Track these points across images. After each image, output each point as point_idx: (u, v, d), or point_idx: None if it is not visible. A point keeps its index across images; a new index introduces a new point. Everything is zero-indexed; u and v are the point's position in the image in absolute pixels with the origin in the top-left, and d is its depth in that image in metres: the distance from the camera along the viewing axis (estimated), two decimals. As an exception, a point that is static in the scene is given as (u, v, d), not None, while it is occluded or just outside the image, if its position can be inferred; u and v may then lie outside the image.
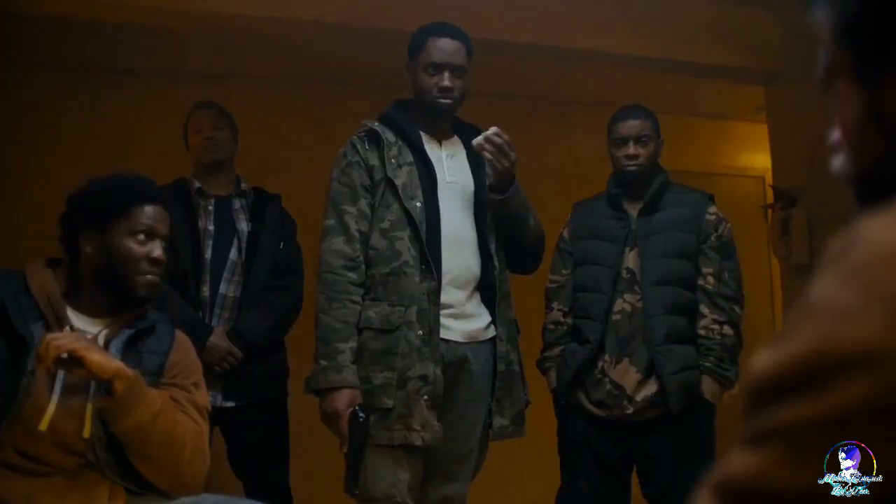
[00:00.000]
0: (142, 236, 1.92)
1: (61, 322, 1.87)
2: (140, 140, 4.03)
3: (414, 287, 2.27)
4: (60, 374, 1.83)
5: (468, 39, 2.46)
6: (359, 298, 2.30)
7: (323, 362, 2.25)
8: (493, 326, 2.41)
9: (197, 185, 2.99)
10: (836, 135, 0.69)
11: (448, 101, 2.41)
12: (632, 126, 2.76)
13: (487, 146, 2.31)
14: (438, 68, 2.38)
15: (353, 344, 2.26)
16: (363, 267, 2.32)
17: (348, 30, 3.45)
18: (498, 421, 2.39)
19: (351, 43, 3.69)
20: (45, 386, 1.82)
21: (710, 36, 3.81)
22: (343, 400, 2.20)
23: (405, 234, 2.30)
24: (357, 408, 2.18)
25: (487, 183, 2.40)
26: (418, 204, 2.33)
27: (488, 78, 3.83)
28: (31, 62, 4.02)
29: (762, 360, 0.49)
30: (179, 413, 1.89)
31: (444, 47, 2.40)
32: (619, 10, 3.70)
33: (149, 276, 1.93)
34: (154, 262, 1.93)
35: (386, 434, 2.23)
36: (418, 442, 2.23)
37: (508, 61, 3.99)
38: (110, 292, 1.94)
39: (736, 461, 0.48)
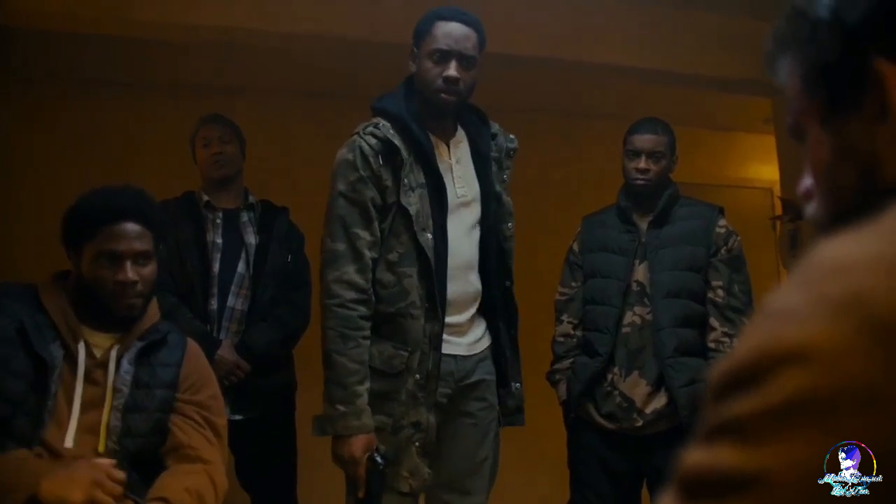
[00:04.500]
0: (105, 260, 1.89)
1: (76, 339, 1.88)
2: (145, 154, 4.05)
3: (418, 331, 2.13)
4: (79, 390, 1.85)
5: (482, 27, 2.21)
6: (368, 334, 2.13)
7: (341, 407, 2.07)
8: (488, 334, 2.33)
9: (205, 198, 3.00)
10: (806, 182, 0.72)
11: (452, 96, 2.17)
12: (646, 140, 2.75)
13: None
14: (445, 56, 2.14)
15: (367, 384, 2.11)
16: (373, 300, 2.14)
17: (355, 44, 3.47)
18: (510, 402, 2.36)
19: (358, 56, 3.70)
20: (65, 403, 1.83)
21: (718, 48, 3.81)
22: (360, 445, 2.07)
23: (414, 271, 2.13)
24: (375, 453, 2.08)
25: None
26: (429, 236, 2.14)
27: (496, 91, 3.84)
28: (36, 76, 4.05)
29: (719, 365, 0.52)
30: (200, 457, 1.91)
31: (453, 32, 2.15)
32: (626, 22, 3.71)
33: (126, 301, 1.91)
34: (121, 285, 1.90)
35: None
36: (405, 489, 2.14)
37: (516, 74, 4.00)
38: (100, 310, 1.94)
39: (692, 456, 0.51)
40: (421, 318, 2.14)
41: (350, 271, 2.11)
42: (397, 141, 2.15)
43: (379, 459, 2.07)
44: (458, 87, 2.16)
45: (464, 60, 2.16)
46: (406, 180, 2.14)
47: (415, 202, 2.14)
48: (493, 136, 2.37)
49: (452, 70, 2.14)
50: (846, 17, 0.65)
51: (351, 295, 2.10)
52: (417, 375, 2.14)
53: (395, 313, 2.14)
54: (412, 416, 2.14)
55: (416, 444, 2.15)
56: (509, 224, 2.35)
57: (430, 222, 2.16)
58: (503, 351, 2.35)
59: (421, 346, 2.14)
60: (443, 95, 2.17)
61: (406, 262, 2.14)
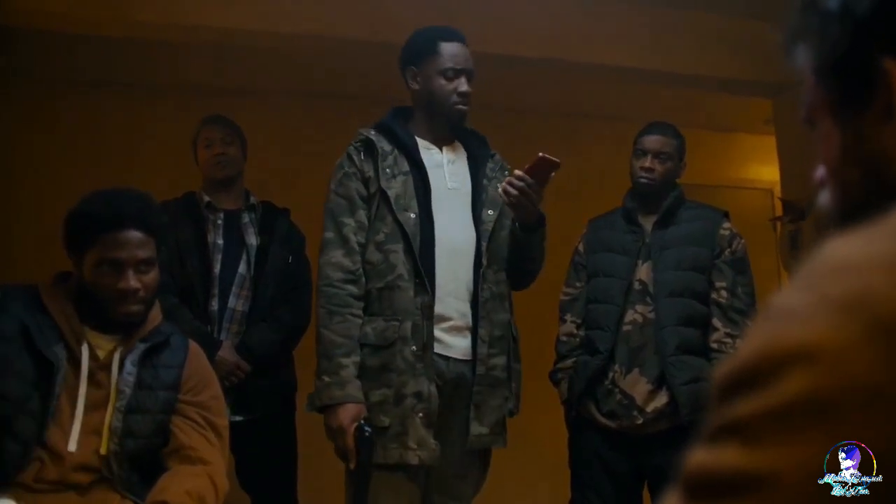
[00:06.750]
0: (107, 268, 1.87)
1: (80, 341, 1.88)
2: (145, 154, 4.05)
3: (408, 301, 2.23)
4: (83, 391, 1.84)
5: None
6: (360, 312, 2.25)
7: (326, 378, 2.19)
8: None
9: (206, 199, 3.00)
10: (821, 171, 0.72)
11: (466, 107, 2.38)
12: (654, 141, 2.80)
13: (511, 191, 2.24)
14: (457, 73, 2.35)
15: (355, 358, 2.20)
16: (363, 280, 2.27)
17: (357, 45, 3.47)
18: (476, 429, 2.31)
19: (358, 56, 3.70)
20: (68, 405, 1.83)
21: (719, 49, 3.82)
22: (348, 415, 2.15)
23: (399, 248, 2.26)
24: (362, 422, 2.13)
25: (516, 221, 2.35)
26: (412, 215, 2.28)
27: (497, 92, 3.85)
28: (36, 76, 4.05)
29: (722, 366, 0.52)
30: (201, 468, 1.91)
31: (460, 52, 2.37)
32: (626, 23, 3.71)
33: (127, 308, 1.91)
34: (122, 292, 1.88)
35: (381, 453, 2.17)
36: (415, 461, 2.18)
37: (516, 75, 4.01)
38: (102, 312, 1.93)
39: (696, 457, 0.51)
40: (410, 290, 2.25)
41: (338, 255, 2.28)
42: (376, 137, 2.35)
43: (367, 428, 2.12)
44: (468, 99, 2.38)
45: (470, 76, 2.37)
46: (388, 169, 2.31)
47: (396, 186, 2.30)
48: (492, 156, 2.51)
49: (466, 86, 2.36)
50: (854, 9, 0.65)
51: (338, 275, 2.26)
52: (413, 346, 2.22)
53: (383, 287, 2.27)
54: (413, 386, 2.21)
55: (420, 414, 2.20)
56: (489, 211, 2.40)
57: (414, 203, 2.30)
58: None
59: (413, 317, 2.23)
60: (459, 106, 2.37)
61: (391, 240, 2.28)
